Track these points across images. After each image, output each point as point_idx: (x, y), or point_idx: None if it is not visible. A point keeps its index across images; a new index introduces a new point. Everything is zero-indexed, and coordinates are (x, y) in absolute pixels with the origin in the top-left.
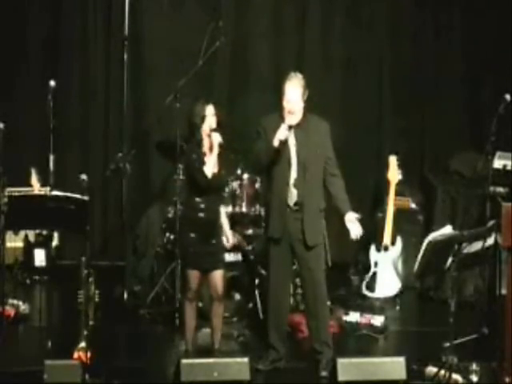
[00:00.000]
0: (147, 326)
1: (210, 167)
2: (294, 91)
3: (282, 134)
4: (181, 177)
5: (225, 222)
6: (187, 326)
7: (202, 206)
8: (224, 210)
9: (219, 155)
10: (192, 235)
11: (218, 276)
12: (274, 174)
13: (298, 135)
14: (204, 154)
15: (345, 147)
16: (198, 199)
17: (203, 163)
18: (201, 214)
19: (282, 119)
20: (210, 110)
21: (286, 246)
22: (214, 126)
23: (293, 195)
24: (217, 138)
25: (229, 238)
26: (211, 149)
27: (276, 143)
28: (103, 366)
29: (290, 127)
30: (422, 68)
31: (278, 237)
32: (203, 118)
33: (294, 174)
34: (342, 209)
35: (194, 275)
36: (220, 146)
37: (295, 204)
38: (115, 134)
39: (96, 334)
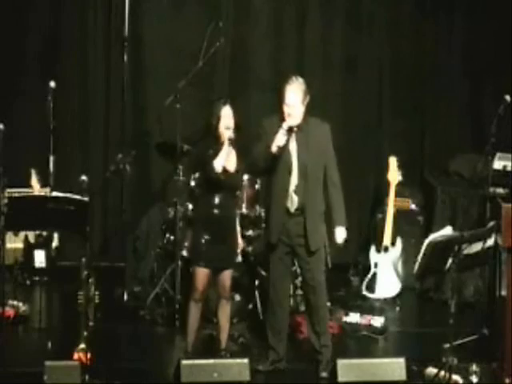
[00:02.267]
0: (147, 327)
1: (220, 162)
2: (294, 95)
3: (280, 140)
4: (181, 178)
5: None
6: (190, 328)
7: (217, 202)
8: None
9: (238, 156)
10: (205, 233)
11: (227, 275)
12: (274, 179)
13: (299, 139)
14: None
15: (345, 148)
16: (212, 196)
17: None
18: (216, 211)
19: (282, 121)
20: (226, 111)
21: (286, 249)
22: (229, 125)
23: (294, 201)
24: (227, 134)
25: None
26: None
27: (274, 149)
28: (103, 366)
29: (290, 130)
30: (421, 69)
31: (276, 242)
32: (219, 119)
33: (294, 180)
34: (334, 221)
35: (203, 274)
36: (229, 139)
37: (296, 209)
38: (115, 134)
39: (96, 334)
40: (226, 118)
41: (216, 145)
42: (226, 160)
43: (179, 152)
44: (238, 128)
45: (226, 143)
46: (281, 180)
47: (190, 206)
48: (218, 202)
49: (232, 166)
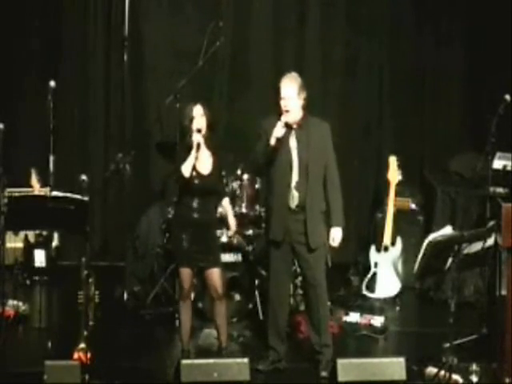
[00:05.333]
0: (147, 327)
1: (187, 167)
2: (289, 88)
3: (278, 131)
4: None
5: (228, 209)
6: (182, 326)
7: (196, 206)
8: (227, 200)
9: (213, 157)
10: (184, 234)
11: (214, 275)
12: (275, 176)
13: (299, 137)
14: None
15: (345, 148)
16: (190, 199)
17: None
18: (195, 215)
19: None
20: (197, 111)
21: (287, 248)
22: (200, 126)
23: (294, 198)
24: (196, 139)
25: (231, 225)
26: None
27: (273, 141)
28: (103, 366)
29: (288, 126)
30: (421, 69)
31: (279, 240)
32: (191, 120)
33: (295, 177)
34: (332, 221)
35: (185, 273)
36: (198, 146)
37: (297, 206)
38: (115, 134)
39: (96, 334)
40: (198, 119)
41: (189, 149)
42: (192, 165)
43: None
44: (211, 128)
45: (194, 148)
46: (282, 177)
47: None
48: (197, 205)
49: (206, 168)
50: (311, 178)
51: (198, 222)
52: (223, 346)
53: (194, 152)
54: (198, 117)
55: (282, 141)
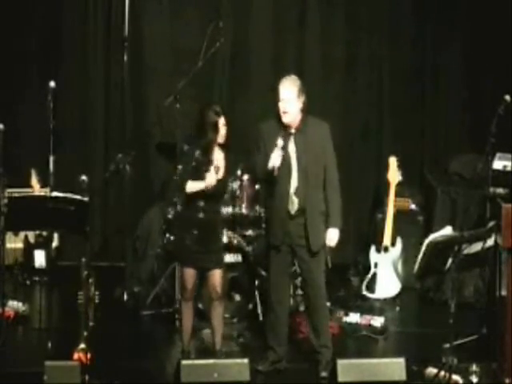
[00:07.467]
0: (147, 327)
1: (194, 189)
2: (288, 90)
3: (275, 160)
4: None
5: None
6: (184, 326)
7: (202, 205)
8: None
9: (225, 165)
10: (189, 235)
11: (216, 276)
12: (274, 181)
13: (298, 141)
14: (209, 162)
15: (345, 148)
16: (197, 200)
17: (207, 170)
18: (200, 215)
19: (280, 124)
20: (222, 121)
21: (287, 250)
22: (223, 138)
23: (294, 202)
24: (211, 179)
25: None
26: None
27: (270, 167)
28: (103, 366)
29: (287, 132)
30: (421, 69)
31: (279, 244)
32: (216, 124)
33: (294, 182)
34: (329, 222)
35: (189, 273)
36: (216, 167)
37: (297, 211)
38: (115, 134)
39: (96, 334)
40: (222, 130)
41: (205, 154)
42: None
43: (178, 152)
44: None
45: (213, 166)
46: (282, 182)
47: None
48: (203, 205)
49: (219, 174)
50: (311, 182)
51: (203, 222)
52: (217, 349)
53: (203, 186)
54: (222, 128)
55: (281, 167)
